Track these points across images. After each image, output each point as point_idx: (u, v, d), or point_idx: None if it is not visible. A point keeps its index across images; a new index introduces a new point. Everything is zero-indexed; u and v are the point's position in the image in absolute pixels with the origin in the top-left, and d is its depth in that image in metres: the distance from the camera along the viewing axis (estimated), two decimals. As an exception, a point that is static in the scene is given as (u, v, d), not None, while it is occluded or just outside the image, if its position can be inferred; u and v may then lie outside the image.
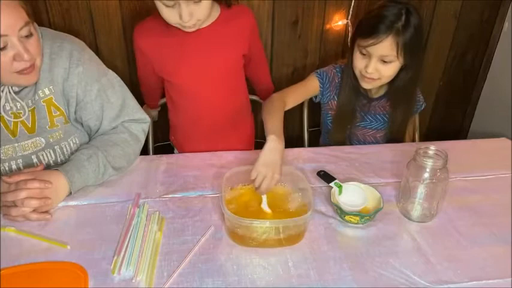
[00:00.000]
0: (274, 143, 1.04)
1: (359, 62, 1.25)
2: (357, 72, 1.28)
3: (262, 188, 1.00)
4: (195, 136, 1.42)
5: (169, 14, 1.10)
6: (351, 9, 1.67)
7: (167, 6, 1.09)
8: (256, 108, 1.53)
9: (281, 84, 1.61)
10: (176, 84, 1.32)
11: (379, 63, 1.22)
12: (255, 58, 1.40)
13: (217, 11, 1.24)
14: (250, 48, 1.33)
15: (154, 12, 1.19)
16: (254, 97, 1.56)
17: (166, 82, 1.35)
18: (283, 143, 1.07)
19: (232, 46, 1.28)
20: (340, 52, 1.78)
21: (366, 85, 1.29)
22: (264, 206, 1.02)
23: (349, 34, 1.72)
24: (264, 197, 1.02)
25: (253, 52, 1.37)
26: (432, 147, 1.01)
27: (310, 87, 1.39)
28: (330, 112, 1.43)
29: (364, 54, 1.23)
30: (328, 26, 1.71)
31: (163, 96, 1.52)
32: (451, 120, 2.11)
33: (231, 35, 1.26)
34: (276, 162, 1.02)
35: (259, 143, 1.62)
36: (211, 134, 1.40)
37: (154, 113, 1.59)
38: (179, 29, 1.16)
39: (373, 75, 1.24)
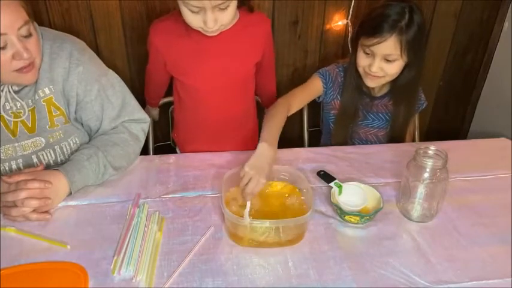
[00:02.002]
0: (265, 150, 1.04)
1: (363, 60, 1.25)
2: (360, 70, 1.29)
3: (247, 190, 0.98)
4: (198, 136, 1.42)
5: (193, 19, 1.10)
6: (351, 9, 1.67)
7: (192, 11, 1.08)
8: (258, 109, 1.53)
9: (281, 84, 1.61)
10: (187, 84, 1.32)
11: (383, 62, 1.22)
12: (265, 66, 1.41)
13: (236, 17, 1.24)
14: (263, 56, 1.34)
15: (172, 12, 1.20)
16: (256, 97, 1.56)
17: (176, 80, 1.35)
18: (276, 151, 1.07)
19: (247, 53, 1.28)
20: (340, 52, 1.78)
21: (370, 83, 1.29)
22: (246, 212, 0.95)
23: (349, 34, 1.72)
24: (248, 204, 0.97)
25: (265, 60, 1.38)
26: (432, 147, 1.01)
27: (314, 88, 1.39)
28: (332, 112, 1.43)
29: (367, 54, 1.23)
30: (328, 26, 1.71)
31: (164, 95, 1.53)
32: (451, 120, 2.11)
33: (247, 42, 1.26)
34: (263, 168, 1.00)
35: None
36: (214, 136, 1.40)
37: (155, 112, 1.60)
38: (196, 30, 1.16)
39: (378, 73, 1.24)
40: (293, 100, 1.31)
